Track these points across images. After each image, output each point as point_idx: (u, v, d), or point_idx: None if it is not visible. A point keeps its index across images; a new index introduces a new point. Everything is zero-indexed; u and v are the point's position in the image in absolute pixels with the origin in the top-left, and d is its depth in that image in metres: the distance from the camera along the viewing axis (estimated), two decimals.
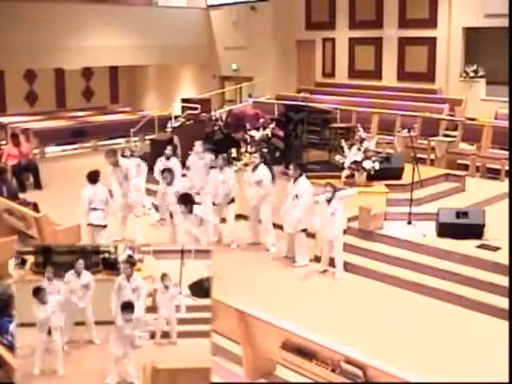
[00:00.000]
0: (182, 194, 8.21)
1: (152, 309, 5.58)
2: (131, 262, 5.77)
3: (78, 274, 5.66)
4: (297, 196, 8.69)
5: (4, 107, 20.68)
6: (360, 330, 6.89)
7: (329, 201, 8.33)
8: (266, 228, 9.50)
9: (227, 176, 9.62)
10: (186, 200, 7.89)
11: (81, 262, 5.37)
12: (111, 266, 5.62)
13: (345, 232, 8.64)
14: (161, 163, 10.51)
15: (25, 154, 13.80)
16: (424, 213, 9.34)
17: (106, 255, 5.80)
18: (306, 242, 8.89)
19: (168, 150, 10.59)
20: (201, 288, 6.73)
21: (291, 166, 8.90)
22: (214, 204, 9.61)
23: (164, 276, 5.93)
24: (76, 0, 19.00)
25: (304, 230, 8.80)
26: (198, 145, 10.66)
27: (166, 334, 5.39)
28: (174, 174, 9.44)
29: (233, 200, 9.68)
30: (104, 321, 5.25)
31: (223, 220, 9.84)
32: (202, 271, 6.57)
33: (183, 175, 10.25)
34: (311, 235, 8.91)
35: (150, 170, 10.93)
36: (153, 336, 5.42)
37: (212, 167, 9.97)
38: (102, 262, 5.74)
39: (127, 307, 5.10)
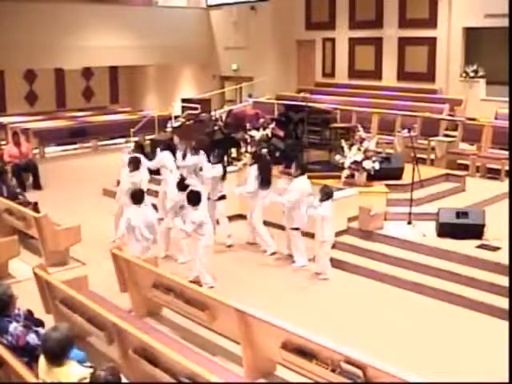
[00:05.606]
0: (191, 190, 8.24)
1: None
2: None
3: None
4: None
5: (4, 107, 20.68)
6: (359, 330, 6.89)
7: (321, 201, 8.26)
8: (256, 229, 9.46)
9: (214, 172, 9.49)
10: (194, 196, 7.95)
11: None
12: None
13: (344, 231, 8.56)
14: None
15: (25, 154, 13.78)
16: (424, 213, 9.33)
17: None
18: (301, 241, 8.87)
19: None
20: None
21: (293, 166, 8.88)
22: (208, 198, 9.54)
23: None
24: (76, 0, 19.01)
25: (296, 229, 8.80)
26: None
27: None
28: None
29: (223, 197, 9.58)
30: None
31: (217, 221, 9.77)
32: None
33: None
34: (311, 235, 8.90)
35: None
36: None
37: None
38: None
39: None
